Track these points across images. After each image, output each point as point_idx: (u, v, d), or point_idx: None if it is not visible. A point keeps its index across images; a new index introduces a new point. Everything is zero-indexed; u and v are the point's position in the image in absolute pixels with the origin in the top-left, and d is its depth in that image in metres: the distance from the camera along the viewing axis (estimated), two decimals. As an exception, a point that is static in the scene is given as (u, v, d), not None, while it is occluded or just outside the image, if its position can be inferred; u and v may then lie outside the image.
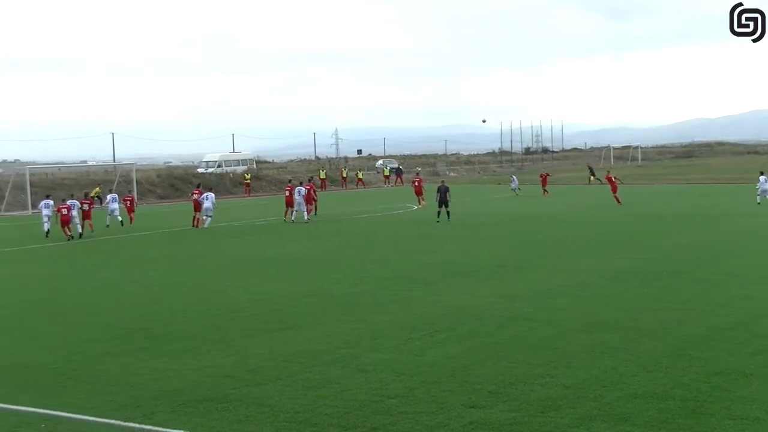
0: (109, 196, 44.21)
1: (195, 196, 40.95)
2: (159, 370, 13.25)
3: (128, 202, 45.28)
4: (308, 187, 43.91)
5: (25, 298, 21.19)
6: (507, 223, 38.14)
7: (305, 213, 41.34)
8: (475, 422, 10.41)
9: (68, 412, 11.25)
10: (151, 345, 15.14)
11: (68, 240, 35.53)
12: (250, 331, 16.12)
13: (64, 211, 36.15)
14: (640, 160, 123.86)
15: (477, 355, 13.71)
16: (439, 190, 40.10)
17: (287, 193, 42.07)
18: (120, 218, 42.31)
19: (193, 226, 39.84)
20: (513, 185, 61.22)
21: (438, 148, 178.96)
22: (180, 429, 10.48)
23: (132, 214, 43.82)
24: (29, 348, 15.24)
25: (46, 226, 37.47)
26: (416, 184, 53.10)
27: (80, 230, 37.14)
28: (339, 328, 16.12)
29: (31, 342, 15.76)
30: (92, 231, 38.10)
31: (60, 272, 25.73)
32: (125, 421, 10.80)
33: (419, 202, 50.68)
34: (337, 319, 17.04)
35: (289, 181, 50.29)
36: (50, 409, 11.36)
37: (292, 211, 41.29)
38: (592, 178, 71.37)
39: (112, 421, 10.83)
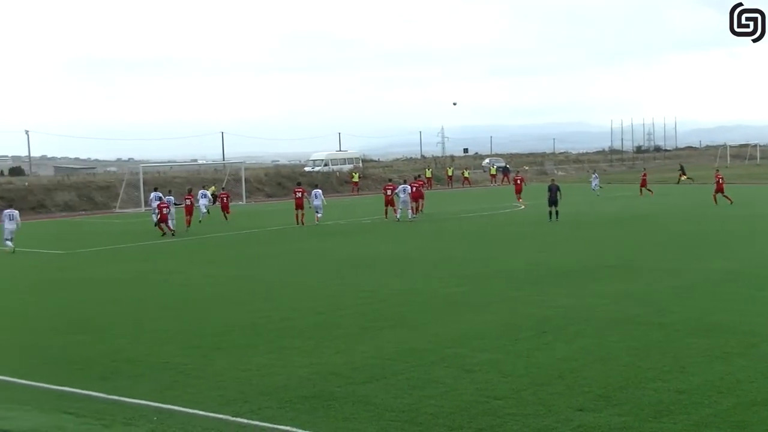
0: (200, 192, 45.42)
1: (298, 194, 41.57)
2: (266, 366, 13.47)
3: (224, 198, 46.44)
4: (417, 184, 44.13)
5: (135, 293, 21.84)
6: (615, 223, 37.38)
7: (410, 211, 41.41)
8: (584, 426, 10.23)
9: (179, 405, 11.54)
10: (259, 341, 15.41)
11: (162, 235, 36.52)
12: (355, 329, 16.24)
13: (165, 210, 37.16)
14: (758, 159, 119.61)
15: (585, 357, 13.47)
16: (549, 189, 39.61)
17: (388, 192, 42.26)
18: (204, 211, 43.54)
19: (297, 223, 40.48)
20: (594, 183, 59.82)
21: (546, 147, 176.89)
22: (287, 425, 10.62)
23: (227, 211, 44.95)
24: (141, 343, 15.70)
25: (155, 218, 38.71)
26: (518, 182, 52.80)
27: (172, 227, 38.13)
28: (444, 327, 16.08)
29: (143, 337, 16.23)
30: (188, 227, 39.24)
31: (168, 269, 26.44)
32: (233, 416, 11.00)
33: (518, 199, 50.40)
34: (443, 318, 17.01)
35: (389, 180, 50.60)
36: (162, 403, 11.67)
37: (396, 210, 41.35)
38: (683, 177, 69.74)
39: (221, 416, 11.04)
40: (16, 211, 33.84)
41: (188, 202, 40.98)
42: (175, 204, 39.89)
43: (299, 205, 41.16)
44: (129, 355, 14.65)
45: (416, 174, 63.63)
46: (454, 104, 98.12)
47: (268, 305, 19.14)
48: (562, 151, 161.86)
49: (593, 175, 62.49)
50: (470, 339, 15.00)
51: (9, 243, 32.47)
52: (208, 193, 47.55)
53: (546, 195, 39.77)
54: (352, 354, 14.15)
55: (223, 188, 52.13)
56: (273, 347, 14.87)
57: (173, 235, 36.60)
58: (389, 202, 41.96)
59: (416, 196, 43.06)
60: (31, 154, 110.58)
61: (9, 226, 32.78)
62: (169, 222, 37.45)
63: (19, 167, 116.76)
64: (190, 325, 17.15)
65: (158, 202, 38.85)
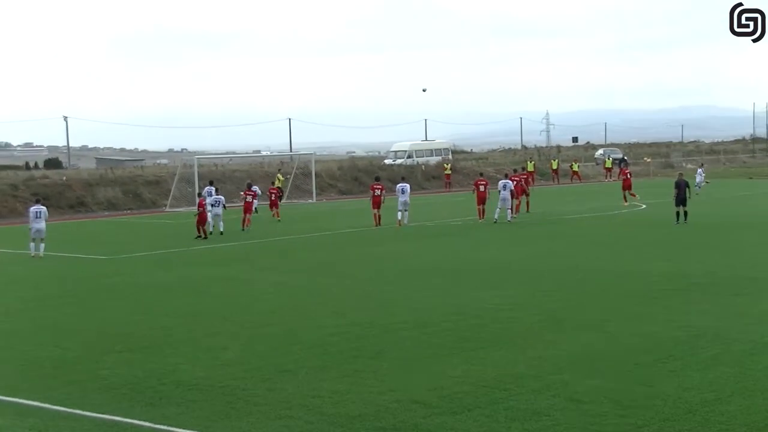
0: (253, 188, 46.38)
1: (376, 191, 41.73)
2: (339, 393, 13.51)
3: (272, 196, 47.30)
4: (518, 177, 44.17)
5: (189, 305, 22.16)
6: (757, 226, 36.61)
7: (509, 211, 41.22)
8: (720, 470, 10.01)
9: (237, 436, 11.64)
10: (331, 363, 15.48)
11: (197, 238, 37.07)
12: (444, 349, 16.20)
13: (206, 209, 37.64)
14: None
15: (723, 388, 13.20)
16: (677, 185, 38.94)
17: (481, 188, 42.25)
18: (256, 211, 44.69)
19: (376, 225, 40.72)
20: (699, 179, 58.53)
21: (672, 135, 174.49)
22: (362, 462, 10.63)
23: (276, 210, 45.73)
24: (195, 362, 15.90)
25: (220, 223, 39.63)
26: (628, 175, 52.60)
27: (211, 229, 38.94)
28: (549, 348, 15.94)
29: (197, 355, 16.44)
30: (247, 228, 40.38)
31: (227, 276, 26.78)
32: (300, 450, 11.06)
33: (626, 197, 50.16)
34: (548, 338, 16.86)
35: (480, 174, 50.63)
36: (217, 433, 11.80)
37: (495, 209, 41.21)
38: None
39: (286, 450, 11.11)
40: (44, 208, 34.38)
41: (248, 198, 41.84)
42: (224, 206, 40.56)
43: (377, 204, 41.38)
44: (181, 377, 14.86)
45: (515, 167, 63.38)
46: (424, 90, 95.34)
47: (344, 320, 19.23)
48: (692, 139, 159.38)
49: (699, 170, 61.40)
50: (580, 363, 14.84)
51: (33, 246, 33.22)
52: (257, 189, 48.62)
53: (672, 192, 39.13)
54: (439, 379, 14.10)
55: (272, 183, 52.75)
56: (347, 370, 14.92)
57: (204, 238, 37.19)
58: (482, 199, 41.94)
59: (518, 191, 43.13)
60: (70, 144, 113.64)
61: (36, 224, 33.40)
62: (213, 224, 38.61)
63: (56, 159, 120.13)
64: (252, 343, 17.32)
65: (211, 199, 39.70)
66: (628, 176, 52.75)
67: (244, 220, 41.09)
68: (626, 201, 49.97)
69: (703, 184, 58.93)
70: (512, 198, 41.80)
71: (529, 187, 46.80)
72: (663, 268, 25.53)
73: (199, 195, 40.26)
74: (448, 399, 12.99)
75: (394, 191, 43.19)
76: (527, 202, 45.82)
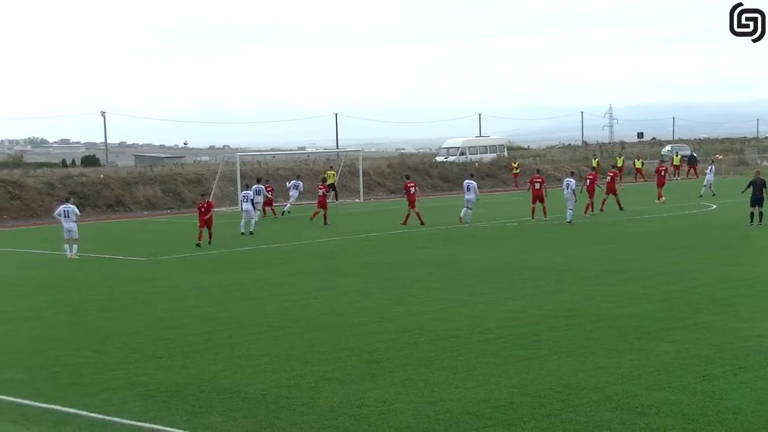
0: (291, 182, 50.21)
1: (411, 189, 42.30)
2: (387, 402, 13.58)
3: (269, 192, 48.77)
4: (592, 176, 44.93)
5: (231, 310, 22.33)
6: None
7: (570, 212, 41.29)
8: (793, 489, 9.93)
9: (280, 447, 11.73)
10: (379, 371, 15.54)
11: (198, 246, 36.27)
12: (498, 357, 16.20)
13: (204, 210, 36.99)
14: None
15: (797, 401, 13.08)
16: (752, 184, 38.49)
17: (536, 185, 42.61)
18: (258, 212, 45.87)
19: (420, 224, 41.39)
20: (708, 177, 57.20)
21: (747, 130, 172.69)
22: (411, 475, 10.68)
23: (271, 208, 48.31)
24: (237, 369, 16.05)
25: (253, 221, 40.66)
26: (662, 173, 53.39)
27: (242, 229, 40.27)
28: (611, 358, 15.88)
29: (238, 363, 16.59)
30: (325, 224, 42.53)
31: (270, 279, 26.93)
32: (346, 462, 11.13)
33: (659, 196, 51.82)
34: (609, 346, 16.79)
35: (537, 171, 50.93)
36: (260, 443, 11.90)
37: (567, 209, 41.44)
38: None
39: (331, 461, 11.19)
40: (72, 207, 34.63)
41: (320, 193, 44.58)
42: (252, 202, 41.56)
43: (412, 203, 42.08)
44: (222, 385, 15.00)
45: (589, 166, 63.70)
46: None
47: (392, 326, 19.28)
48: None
49: (709, 167, 59.60)
50: (644, 374, 14.77)
51: (67, 247, 33.63)
52: (301, 185, 51.25)
53: (747, 192, 38.67)
54: (493, 389, 14.12)
55: (267, 181, 53.11)
56: (396, 378, 14.98)
57: (209, 243, 36.69)
58: (538, 198, 42.21)
59: (611, 189, 45.19)
60: (108, 141, 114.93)
61: (66, 224, 33.77)
62: (244, 222, 39.88)
63: (94, 156, 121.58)
64: (296, 350, 17.42)
65: (252, 201, 40.60)
66: (663, 174, 53.20)
67: (324, 216, 43.82)
68: (661, 197, 50.98)
69: (710, 184, 56.64)
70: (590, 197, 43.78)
71: (595, 186, 46.71)
72: (734, 273, 25.31)
73: (202, 196, 40.57)
74: (503, 410, 12.99)
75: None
76: (603, 201, 46.41)
